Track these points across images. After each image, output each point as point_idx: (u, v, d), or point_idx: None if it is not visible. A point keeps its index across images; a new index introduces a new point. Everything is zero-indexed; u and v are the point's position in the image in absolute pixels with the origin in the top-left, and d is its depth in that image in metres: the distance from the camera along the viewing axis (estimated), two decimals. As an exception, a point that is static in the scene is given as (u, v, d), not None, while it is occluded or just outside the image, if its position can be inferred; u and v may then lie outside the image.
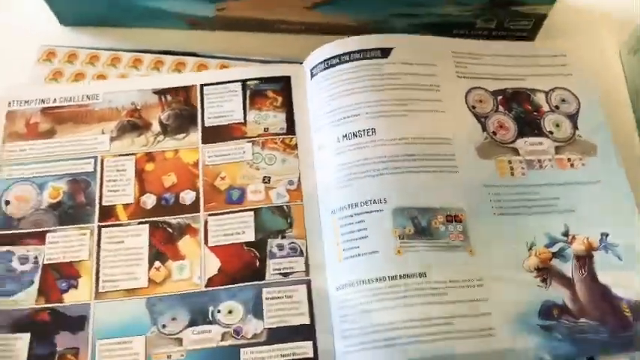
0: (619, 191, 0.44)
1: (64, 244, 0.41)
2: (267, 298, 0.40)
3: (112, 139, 0.45)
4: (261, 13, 0.54)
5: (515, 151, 0.46)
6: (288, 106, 0.48)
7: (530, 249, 0.42)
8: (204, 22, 0.55)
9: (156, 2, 0.53)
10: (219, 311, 0.39)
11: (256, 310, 0.39)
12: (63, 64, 0.48)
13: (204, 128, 0.46)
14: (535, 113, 0.48)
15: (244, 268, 0.41)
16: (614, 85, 0.54)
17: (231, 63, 0.49)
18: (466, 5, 0.52)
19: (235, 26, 0.55)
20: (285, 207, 0.42)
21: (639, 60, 0.53)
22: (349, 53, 0.49)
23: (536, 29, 0.55)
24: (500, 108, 0.48)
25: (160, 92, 0.46)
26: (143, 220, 0.42)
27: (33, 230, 0.42)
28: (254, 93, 0.47)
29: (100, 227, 0.42)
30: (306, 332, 0.39)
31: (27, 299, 0.39)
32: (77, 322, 0.39)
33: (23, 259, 0.41)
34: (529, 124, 0.47)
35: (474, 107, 0.48)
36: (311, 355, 0.38)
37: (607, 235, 0.42)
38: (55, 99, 0.46)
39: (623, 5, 0.58)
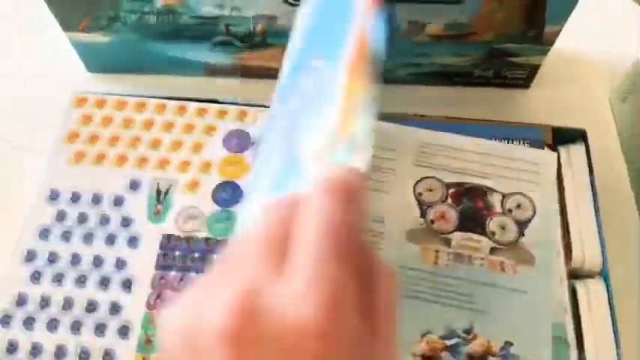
0: (541, 308, 0.44)
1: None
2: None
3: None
4: (276, 63, 0.58)
5: (448, 242, 0.46)
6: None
7: (423, 335, 0.42)
8: (221, 70, 0.59)
9: (178, 51, 0.57)
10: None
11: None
12: (93, 109, 0.52)
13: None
14: (485, 212, 0.47)
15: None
16: (605, 132, 0.58)
17: (251, 110, 0.52)
18: (465, 56, 0.56)
19: (252, 74, 0.59)
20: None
21: (629, 107, 0.57)
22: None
23: (531, 77, 0.59)
24: (449, 200, 0.47)
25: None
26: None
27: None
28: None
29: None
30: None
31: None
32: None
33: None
34: (473, 221, 0.47)
35: (420, 194, 0.48)
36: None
37: (511, 345, 0.42)
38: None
39: (613, 53, 0.63)
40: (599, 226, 0.47)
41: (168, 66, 0.58)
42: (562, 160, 0.50)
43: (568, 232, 0.47)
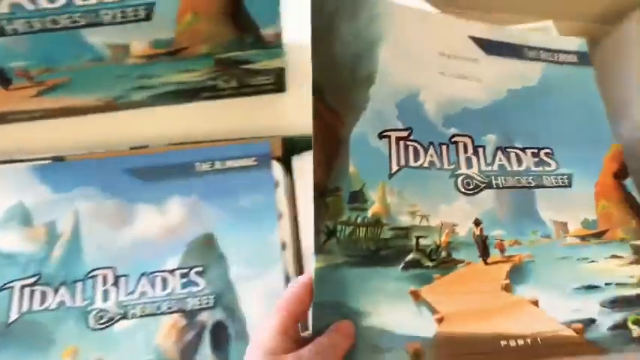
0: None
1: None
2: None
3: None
4: (-10, 107, 0.51)
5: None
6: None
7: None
8: None
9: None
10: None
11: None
12: None
13: None
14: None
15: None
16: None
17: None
18: (195, 71, 0.51)
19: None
20: None
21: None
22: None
23: (281, 81, 0.54)
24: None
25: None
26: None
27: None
28: None
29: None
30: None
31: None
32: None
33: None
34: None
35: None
36: None
37: None
38: None
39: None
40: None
41: None
42: (295, 172, 0.46)
43: (301, 253, 0.43)
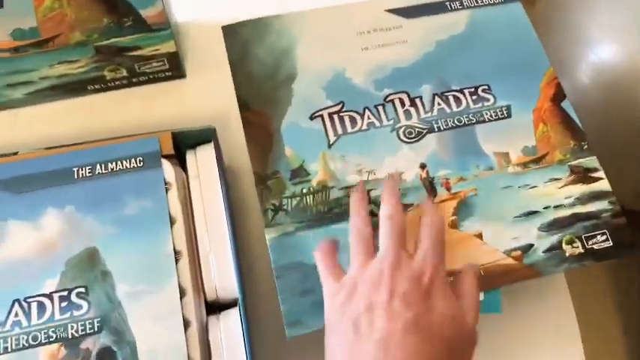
0: None
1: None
2: None
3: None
4: None
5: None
6: None
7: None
8: None
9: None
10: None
11: None
12: None
13: None
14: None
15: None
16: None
17: None
18: (75, 62, 0.45)
19: None
20: None
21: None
22: None
23: (177, 67, 0.48)
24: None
25: None
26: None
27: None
28: None
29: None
30: None
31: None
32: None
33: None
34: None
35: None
36: None
37: None
38: None
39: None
40: (233, 245, 0.38)
41: None
42: (189, 170, 0.41)
43: (199, 262, 0.39)
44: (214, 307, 0.38)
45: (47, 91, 0.47)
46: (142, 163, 0.40)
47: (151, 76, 0.49)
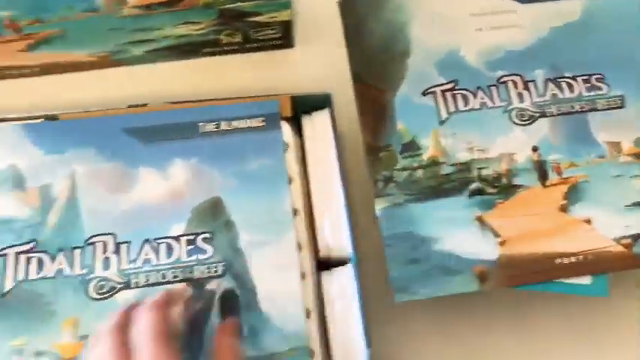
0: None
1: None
2: None
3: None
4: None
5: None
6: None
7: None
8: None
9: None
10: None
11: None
12: None
13: None
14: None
15: None
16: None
17: None
18: (197, 24, 0.47)
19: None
20: None
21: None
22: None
23: (288, 36, 0.50)
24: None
25: None
26: None
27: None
28: None
29: None
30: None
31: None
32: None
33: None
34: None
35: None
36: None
37: None
38: None
39: None
40: (346, 207, 0.40)
41: None
42: (305, 133, 0.43)
43: (312, 218, 0.41)
44: (323, 266, 0.40)
45: (165, 51, 0.49)
46: (262, 123, 0.42)
47: (262, 44, 0.51)
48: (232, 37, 0.49)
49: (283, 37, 0.50)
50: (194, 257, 0.38)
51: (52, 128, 0.42)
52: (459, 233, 0.39)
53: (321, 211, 0.40)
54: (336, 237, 0.40)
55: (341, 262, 0.40)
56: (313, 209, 0.40)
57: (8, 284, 0.37)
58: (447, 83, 0.43)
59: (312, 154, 0.42)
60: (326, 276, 0.39)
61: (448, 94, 0.43)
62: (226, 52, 0.51)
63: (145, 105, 0.43)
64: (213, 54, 0.51)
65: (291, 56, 0.52)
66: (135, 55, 0.50)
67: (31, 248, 0.38)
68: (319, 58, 0.52)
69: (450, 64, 0.44)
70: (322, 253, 0.40)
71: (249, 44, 0.50)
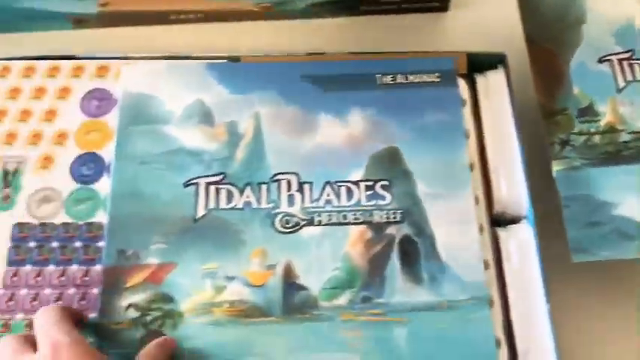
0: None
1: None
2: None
3: None
4: (149, 5, 0.50)
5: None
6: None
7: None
8: (89, 20, 0.50)
9: (33, 2, 0.48)
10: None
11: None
12: None
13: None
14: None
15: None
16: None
17: (111, 63, 0.44)
18: (368, -21, 0.48)
19: (124, 21, 0.51)
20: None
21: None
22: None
23: (449, -1, 0.51)
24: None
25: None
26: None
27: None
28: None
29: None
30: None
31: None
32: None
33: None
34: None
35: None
36: None
37: None
38: None
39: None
40: (523, 165, 0.41)
41: (25, 21, 0.50)
42: (479, 90, 0.43)
43: (487, 173, 0.41)
44: (495, 223, 0.41)
45: (326, 6, 0.50)
46: (439, 79, 0.43)
47: (420, 5, 0.51)
48: (394, -5, 0.50)
49: (440, 0, 0.51)
50: (373, 202, 0.39)
51: (235, 69, 0.44)
52: (638, 200, 0.39)
53: (496, 168, 0.41)
54: (513, 194, 0.40)
55: (513, 220, 0.40)
56: (488, 166, 0.41)
57: (200, 211, 0.39)
58: (623, 52, 0.43)
59: (487, 111, 0.43)
60: (502, 232, 0.40)
61: (625, 63, 0.43)
62: (382, 12, 0.52)
63: (322, 54, 0.44)
64: (370, 12, 0.52)
65: (443, 20, 0.53)
66: (296, 9, 0.51)
67: (221, 180, 0.40)
68: (471, 24, 0.52)
69: (626, 34, 0.44)
70: (497, 209, 0.40)
71: (406, 4, 0.51)
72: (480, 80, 0.43)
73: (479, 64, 0.44)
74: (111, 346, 0.35)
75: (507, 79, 0.43)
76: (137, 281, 0.37)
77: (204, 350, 0.36)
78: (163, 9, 0.50)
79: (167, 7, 0.50)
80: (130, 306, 0.36)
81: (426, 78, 0.43)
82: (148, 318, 0.36)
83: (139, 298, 0.36)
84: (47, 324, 0.33)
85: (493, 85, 0.43)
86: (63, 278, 0.39)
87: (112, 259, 0.37)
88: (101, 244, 0.39)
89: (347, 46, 0.51)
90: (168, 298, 0.37)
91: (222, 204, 0.39)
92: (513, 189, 0.40)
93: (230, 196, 0.39)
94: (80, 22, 0.50)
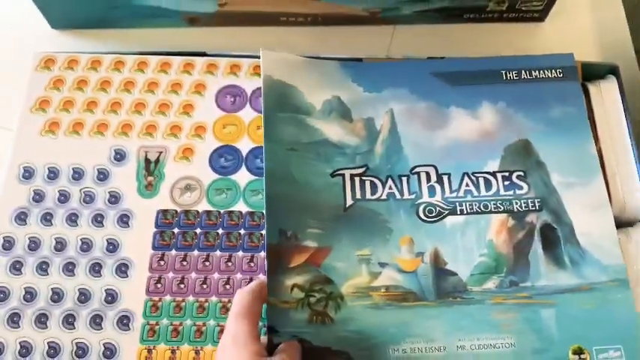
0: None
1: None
2: None
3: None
4: (264, 6, 0.52)
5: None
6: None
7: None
8: (204, 19, 0.52)
9: (153, 0, 0.49)
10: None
11: None
12: (63, 71, 0.45)
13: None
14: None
15: None
16: (631, 63, 0.53)
17: (243, 61, 0.46)
18: (477, -12, 0.50)
19: (237, 21, 0.53)
20: None
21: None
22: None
23: (548, 9, 0.53)
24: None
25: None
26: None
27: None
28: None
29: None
30: None
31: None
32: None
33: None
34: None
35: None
36: None
37: None
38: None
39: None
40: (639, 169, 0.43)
41: (142, 18, 0.51)
42: (593, 99, 0.45)
43: (605, 178, 0.43)
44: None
45: (433, 13, 0.53)
46: (561, 74, 0.45)
47: (521, 15, 0.54)
48: (500, 4, 0.52)
49: (542, 10, 0.53)
50: (511, 192, 0.41)
51: (366, 68, 0.45)
52: None
53: (613, 174, 0.43)
54: (630, 199, 0.42)
55: (629, 223, 0.42)
56: (606, 171, 0.43)
57: (349, 200, 0.40)
58: None
59: (601, 119, 0.45)
60: (620, 234, 0.41)
61: None
62: (485, 20, 0.54)
63: (442, 58, 0.47)
64: (473, 20, 0.54)
65: (541, 30, 0.55)
66: (402, 15, 0.53)
67: (364, 172, 0.41)
68: (568, 34, 0.55)
69: None
70: (614, 212, 0.42)
71: (510, 13, 0.53)
72: (593, 89, 0.46)
73: (587, 74, 0.47)
74: (279, 325, 0.36)
75: (621, 88, 0.45)
76: (299, 262, 0.38)
77: (367, 332, 0.36)
78: (276, 10, 0.52)
79: (280, 9, 0.52)
80: (294, 286, 0.37)
81: (548, 73, 0.45)
82: (312, 299, 0.37)
83: (301, 279, 0.37)
84: (231, 314, 0.33)
85: (606, 94, 0.45)
86: (207, 263, 0.40)
87: (274, 239, 0.38)
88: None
89: (450, 51, 0.53)
90: (328, 281, 0.38)
91: (368, 195, 0.40)
92: (631, 195, 0.42)
93: (374, 188, 0.41)
94: (194, 20, 0.52)
